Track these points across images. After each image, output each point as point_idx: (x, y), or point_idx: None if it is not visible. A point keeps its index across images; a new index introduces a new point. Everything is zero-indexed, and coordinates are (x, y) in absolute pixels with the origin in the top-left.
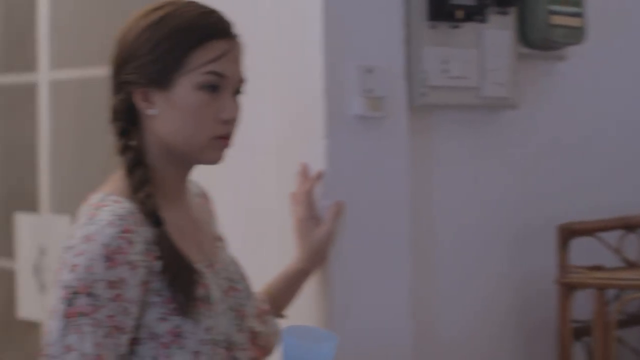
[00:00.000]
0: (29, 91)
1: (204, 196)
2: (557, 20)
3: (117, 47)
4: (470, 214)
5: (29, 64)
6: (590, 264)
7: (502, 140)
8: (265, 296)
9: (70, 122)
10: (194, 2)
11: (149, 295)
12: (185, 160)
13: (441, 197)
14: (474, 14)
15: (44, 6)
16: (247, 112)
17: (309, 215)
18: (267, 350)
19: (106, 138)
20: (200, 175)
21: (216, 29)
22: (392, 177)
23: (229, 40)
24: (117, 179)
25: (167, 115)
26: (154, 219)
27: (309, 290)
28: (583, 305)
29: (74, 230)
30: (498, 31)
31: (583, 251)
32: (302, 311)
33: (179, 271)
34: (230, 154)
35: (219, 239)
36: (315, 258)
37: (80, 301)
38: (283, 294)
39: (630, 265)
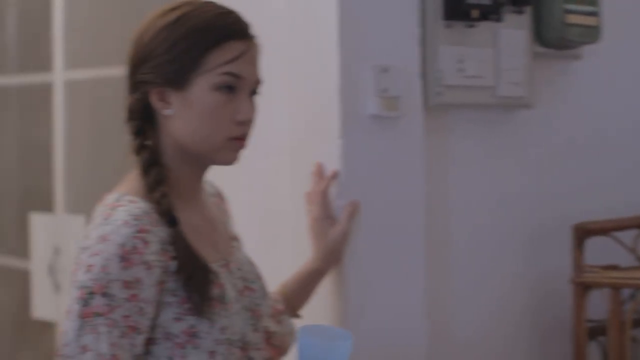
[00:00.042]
0: (44, 91)
1: (219, 196)
2: (573, 19)
3: (133, 47)
4: (486, 213)
5: (44, 64)
6: (606, 263)
7: (517, 140)
8: (280, 296)
9: (85, 122)
10: (211, 3)
11: (165, 295)
12: (200, 161)
13: (456, 197)
14: (490, 13)
15: (58, 6)
16: (262, 112)
17: (324, 215)
18: (282, 350)
19: (121, 138)
20: (215, 175)
21: (233, 30)
22: (407, 176)
23: (246, 41)
24: (132, 179)
25: (183, 115)
26: (169, 218)
27: (324, 290)
28: (598, 305)
29: (90, 230)
30: (514, 30)
31: (598, 251)
32: (317, 311)
33: (194, 271)
34: (245, 154)
35: (234, 238)
36: (330, 258)
37: (96, 301)
38: (298, 293)
39: None
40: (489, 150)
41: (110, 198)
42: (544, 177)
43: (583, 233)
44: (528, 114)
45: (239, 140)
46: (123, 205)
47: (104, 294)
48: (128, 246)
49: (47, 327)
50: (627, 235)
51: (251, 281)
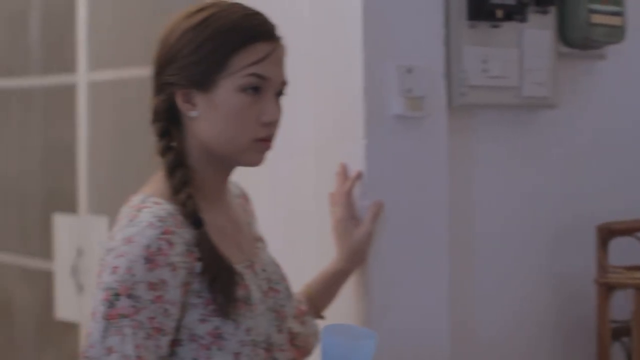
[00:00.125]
0: (68, 93)
1: (244, 197)
2: (598, 19)
3: (159, 48)
4: (509, 213)
5: (68, 65)
6: (630, 264)
7: (541, 140)
8: (304, 297)
9: (108, 123)
10: (237, 4)
11: (189, 296)
12: (225, 162)
13: (480, 197)
14: (514, 13)
15: (82, 8)
16: (287, 113)
17: (348, 216)
18: (306, 351)
19: (144, 139)
20: (240, 176)
21: (259, 31)
22: (432, 177)
23: (272, 43)
24: (157, 181)
25: (208, 117)
26: (194, 220)
27: (348, 291)
28: (622, 305)
29: (115, 232)
30: (538, 30)
31: (622, 251)
32: (340, 311)
33: (219, 272)
34: (270, 154)
35: (259, 239)
36: (354, 258)
37: (121, 303)
38: (322, 294)
39: None
40: (512, 151)
41: (135, 200)
42: (568, 177)
43: (607, 233)
44: (552, 114)
45: (264, 142)
46: (148, 207)
47: (129, 296)
48: (153, 248)
49: (70, 328)
50: None
51: (276, 282)
